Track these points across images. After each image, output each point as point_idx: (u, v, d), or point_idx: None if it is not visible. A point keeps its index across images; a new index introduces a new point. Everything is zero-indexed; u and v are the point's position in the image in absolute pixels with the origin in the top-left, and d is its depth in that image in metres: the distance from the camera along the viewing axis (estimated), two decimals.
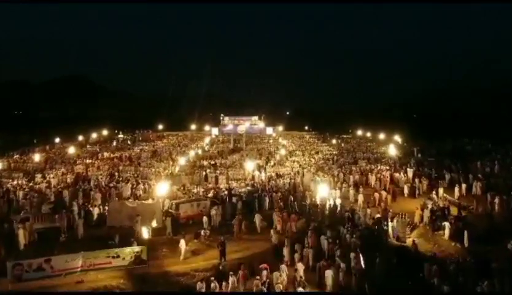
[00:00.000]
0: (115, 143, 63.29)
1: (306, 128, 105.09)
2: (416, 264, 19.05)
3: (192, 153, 49.94)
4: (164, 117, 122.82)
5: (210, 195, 28.40)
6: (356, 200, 29.56)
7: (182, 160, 41.40)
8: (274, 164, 43.43)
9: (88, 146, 62.53)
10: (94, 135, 70.95)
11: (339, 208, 26.55)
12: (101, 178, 33.63)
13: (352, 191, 31.36)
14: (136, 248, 18.30)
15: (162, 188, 25.86)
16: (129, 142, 67.52)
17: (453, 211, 26.34)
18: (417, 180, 33.67)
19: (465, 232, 22.27)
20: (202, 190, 29.57)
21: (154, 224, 20.86)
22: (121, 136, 77.45)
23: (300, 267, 17.80)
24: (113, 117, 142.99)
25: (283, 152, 50.49)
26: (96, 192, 28.62)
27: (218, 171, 37.14)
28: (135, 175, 36.91)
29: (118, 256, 17.75)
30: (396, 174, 35.93)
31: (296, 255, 19.12)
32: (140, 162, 44.04)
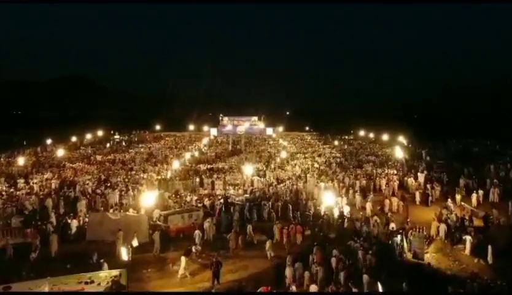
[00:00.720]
0: (108, 145, 60.32)
1: (307, 128, 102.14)
2: (437, 286, 16.41)
3: (187, 156, 47.02)
4: (164, 117, 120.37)
5: (205, 203, 25.57)
6: (363, 208, 26.98)
7: (176, 164, 38.40)
8: (275, 168, 40.63)
9: (82, 148, 59.81)
10: (88, 136, 67.89)
11: (347, 218, 23.74)
12: (87, 184, 30.77)
13: (359, 197, 28.68)
14: (114, 272, 15.49)
15: (149, 198, 22.90)
16: (124, 143, 64.54)
17: (475, 221, 23.62)
18: (429, 186, 30.91)
19: (489, 247, 19.60)
20: (196, 198, 26.69)
21: (135, 243, 18.01)
22: (117, 137, 74.59)
23: (313, 288, 15.14)
24: (113, 117, 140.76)
25: (284, 154, 47.69)
26: (80, 200, 25.84)
27: (215, 176, 34.35)
28: (126, 180, 34.09)
29: (92, 282, 14.93)
30: (407, 179, 33.12)
31: (306, 275, 16.40)
32: (133, 166, 41.22)
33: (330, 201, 24.98)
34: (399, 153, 44.19)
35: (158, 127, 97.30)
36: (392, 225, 21.85)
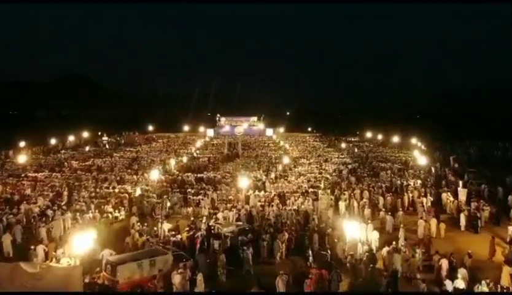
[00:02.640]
0: (87, 148, 52.57)
1: (309, 129, 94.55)
2: None
3: (173, 162, 39.23)
4: (161, 117, 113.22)
5: (181, 236, 18.10)
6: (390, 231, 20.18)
7: (155, 174, 30.34)
8: (276, 177, 33.24)
9: (62, 151, 52.36)
10: (71, 138, 60.13)
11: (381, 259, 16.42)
12: (35, 203, 23.24)
13: (389, 218, 21.51)
14: None
15: (84, 240, 14.78)
16: (107, 146, 56.73)
17: None
18: (473, 204, 23.52)
19: None
20: (169, 227, 19.14)
21: None
22: (105, 138, 66.99)
23: None
24: (113, 117, 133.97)
25: (286, 160, 40.19)
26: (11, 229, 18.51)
27: (200, 196, 26.90)
28: (93, 195, 26.74)
29: None
30: (444, 195, 25.71)
31: None
32: (107, 176, 33.80)
33: (354, 232, 17.60)
34: (422, 159, 36.71)
35: (152, 128, 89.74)
36: (459, 278, 14.27)
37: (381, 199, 25.28)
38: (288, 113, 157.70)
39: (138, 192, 24.82)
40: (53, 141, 54.29)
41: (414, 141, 55.40)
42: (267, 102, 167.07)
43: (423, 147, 48.51)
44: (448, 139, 66.11)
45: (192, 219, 20.57)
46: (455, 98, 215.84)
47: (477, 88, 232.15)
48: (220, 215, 21.10)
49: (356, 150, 52.41)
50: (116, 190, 27.78)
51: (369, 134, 71.65)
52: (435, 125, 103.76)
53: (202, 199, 24.75)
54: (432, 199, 25.48)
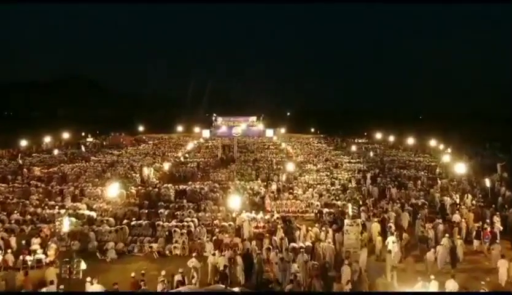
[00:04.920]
0: (56, 152, 44.22)
1: (312, 130, 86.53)
2: None
3: (147, 171, 30.71)
4: (161, 118, 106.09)
5: None
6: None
7: (114, 187, 21.64)
8: (279, 190, 25.24)
9: (33, 155, 44.29)
10: (47, 139, 51.90)
11: None
12: None
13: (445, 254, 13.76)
14: None
15: None
16: (83, 149, 48.42)
17: None
18: None
19: None
20: (100, 290, 11.05)
21: None
22: (90, 139, 59.00)
23: None
24: (113, 117, 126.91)
25: (290, 167, 31.98)
26: None
27: (179, 214, 19.04)
28: (27, 219, 18.80)
29: None
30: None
31: None
32: (65, 188, 25.74)
33: None
34: (459, 166, 28.56)
35: (150, 128, 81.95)
36: None
37: (429, 228, 17.26)
38: (288, 113, 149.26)
39: (66, 224, 15.84)
40: (23, 143, 45.99)
41: (432, 142, 47.64)
42: (267, 102, 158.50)
43: (449, 150, 40.31)
44: (464, 140, 58.27)
45: (142, 276, 12.06)
46: (456, 98, 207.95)
47: (478, 89, 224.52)
48: (192, 262, 12.96)
49: (371, 154, 44.16)
50: (63, 211, 19.76)
51: (378, 135, 63.65)
52: (444, 126, 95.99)
53: (174, 230, 16.59)
54: (501, 227, 17.50)
